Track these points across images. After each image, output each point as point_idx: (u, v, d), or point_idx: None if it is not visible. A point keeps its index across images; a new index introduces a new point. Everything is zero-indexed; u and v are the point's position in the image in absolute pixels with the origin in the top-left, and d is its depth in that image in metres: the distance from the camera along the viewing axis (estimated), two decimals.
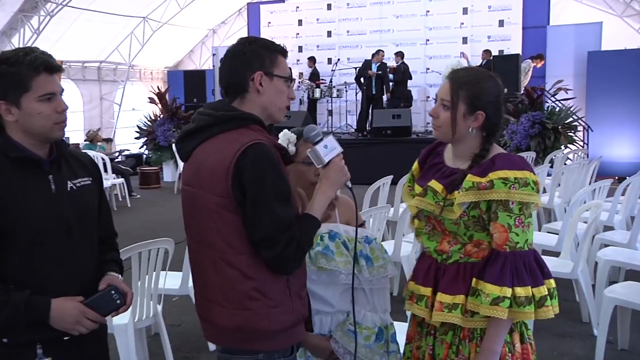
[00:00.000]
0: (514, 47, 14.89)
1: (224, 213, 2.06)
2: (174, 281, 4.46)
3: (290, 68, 2.64)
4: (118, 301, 2.19)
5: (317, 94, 15.24)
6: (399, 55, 14.72)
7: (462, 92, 2.23)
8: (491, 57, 13.35)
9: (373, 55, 14.43)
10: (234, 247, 2.07)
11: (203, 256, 2.16)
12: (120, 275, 2.34)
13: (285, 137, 2.58)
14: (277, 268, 2.07)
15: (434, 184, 2.31)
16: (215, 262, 2.11)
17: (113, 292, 2.20)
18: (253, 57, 2.16)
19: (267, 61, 2.17)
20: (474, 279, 2.20)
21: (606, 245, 5.46)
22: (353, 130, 14.80)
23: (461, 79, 2.26)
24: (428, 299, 2.32)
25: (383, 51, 14.52)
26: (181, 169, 12.09)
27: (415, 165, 2.54)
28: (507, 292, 2.12)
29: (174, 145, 12.57)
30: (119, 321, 3.69)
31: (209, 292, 2.16)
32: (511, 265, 2.14)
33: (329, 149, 2.20)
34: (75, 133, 14.25)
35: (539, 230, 6.39)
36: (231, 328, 2.12)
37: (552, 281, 2.23)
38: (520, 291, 2.13)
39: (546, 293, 2.17)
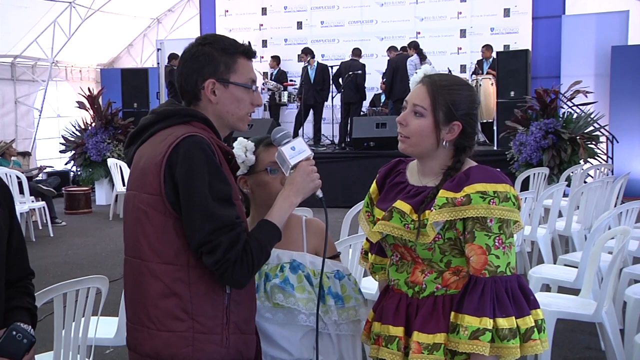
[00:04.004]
0: (523, 41, 15.09)
1: (152, 213, 2.14)
2: (107, 329, 4.39)
3: (256, 71, 2.72)
4: (25, 340, 2.18)
5: (285, 97, 15.26)
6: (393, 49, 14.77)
7: (441, 98, 2.34)
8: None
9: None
10: (159, 255, 2.15)
11: (132, 268, 2.24)
12: (30, 327, 2.29)
13: (242, 145, 2.67)
14: (224, 278, 2.12)
15: (400, 204, 2.38)
16: (140, 272, 2.18)
17: (14, 332, 2.18)
18: (205, 62, 2.27)
19: (221, 67, 2.27)
20: (452, 313, 2.27)
21: (636, 281, 5.51)
22: (329, 142, 14.85)
23: (439, 83, 2.37)
24: (400, 340, 2.36)
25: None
26: (118, 190, 12.05)
27: (374, 187, 2.64)
28: (488, 323, 2.18)
29: (108, 160, 12.49)
30: None
31: (134, 312, 2.23)
32: (491, 293, 2.21)
33: (296, 152, 2.33)
34: None
35: (555, 263, 6.44)
36: (152, 354, 2.17)
37: (539, 312, 2.31)
38: (503, 322, 2.19)
39: (533, 324, 2.24)
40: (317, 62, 15.00)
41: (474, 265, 2.24)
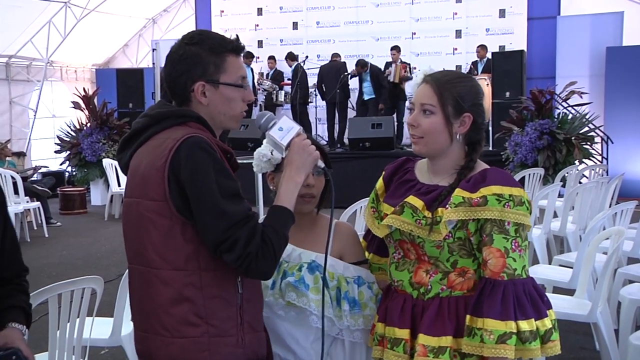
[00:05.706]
0: (518, 42, 15.12)
1: (158, 219, 2.11)
2: (102, 329, 4.39)
3: (249, 67, 2.69)
4: None
5: (281, 97, 15.26)
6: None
7: (447, 93, 2.36)
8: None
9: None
10: (168, 262, 2.12)
11: (139, 276, 2.20)
12: (25, 328, 2.28)
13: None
14: (249, 272, 2.09)
15: (413, 199, 2.39)
16: (150, 280, 2.15)
17: (14, 357, 2.15)
18: (193, 63, 2.23)
19: (210, 67, 2.23)
20: (467, 316, 2.27)
21: (631, 282, 5.51)
22: (325, 143, 14.85)
23: (442, 79, 2.40)
24: (406, 342, 2.37)
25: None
26: (113, 190, 12.04)
27: (380, 183, 2.63)
28: (513, 326, 2.20)
29: (104, 160, 12.47)
30: None
31: (145, 319, 2.20)
32: (513, 296, 2.23)
33: (285, 131, 2.31)
34: None
35: (550, 263, 6.44)
36: None
37: (552, 312, 2.33)
38: (525, 325, 2.22)
39: (551, 326, 2.28)
40: (295, 64, 15.11)
41: (492, 269, 2.25)
